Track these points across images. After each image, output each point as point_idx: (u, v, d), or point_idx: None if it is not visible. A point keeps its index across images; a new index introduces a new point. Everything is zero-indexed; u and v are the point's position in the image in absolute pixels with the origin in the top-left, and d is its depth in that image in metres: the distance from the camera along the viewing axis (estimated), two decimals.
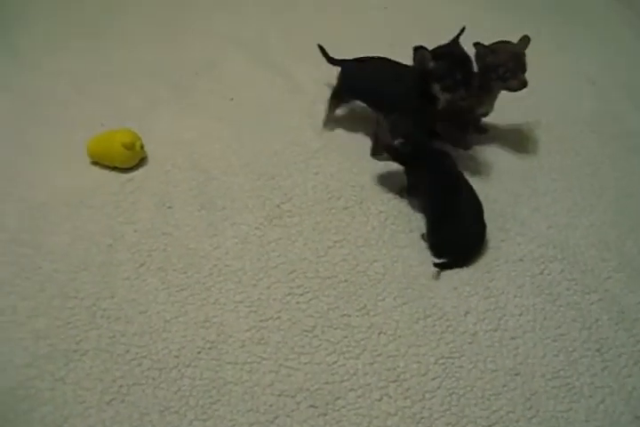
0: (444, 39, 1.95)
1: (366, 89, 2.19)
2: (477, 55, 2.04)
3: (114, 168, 2.13)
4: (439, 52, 1.93)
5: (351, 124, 2.34)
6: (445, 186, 1.88)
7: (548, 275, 1.83)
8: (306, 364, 1.60)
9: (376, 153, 1.97)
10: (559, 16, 3.12)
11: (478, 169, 2.14)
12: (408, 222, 1.96)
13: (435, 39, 1.95)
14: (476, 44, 2.01)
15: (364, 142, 2.23)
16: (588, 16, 3.14)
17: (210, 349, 1.63)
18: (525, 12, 3.11)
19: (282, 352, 1.62)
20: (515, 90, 2.05)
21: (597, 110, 2.48)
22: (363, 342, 1.65)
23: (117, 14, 3.05)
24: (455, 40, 1.95)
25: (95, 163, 2.15)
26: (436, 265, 1.81)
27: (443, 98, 1.97)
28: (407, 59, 1.97)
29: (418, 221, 1.96)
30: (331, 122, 2.34)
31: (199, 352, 1.62)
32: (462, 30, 1.93)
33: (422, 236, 1.91)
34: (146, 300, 1.74)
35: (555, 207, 2.04)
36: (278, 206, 2.00)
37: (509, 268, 1.85)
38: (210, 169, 2.14)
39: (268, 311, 1.71)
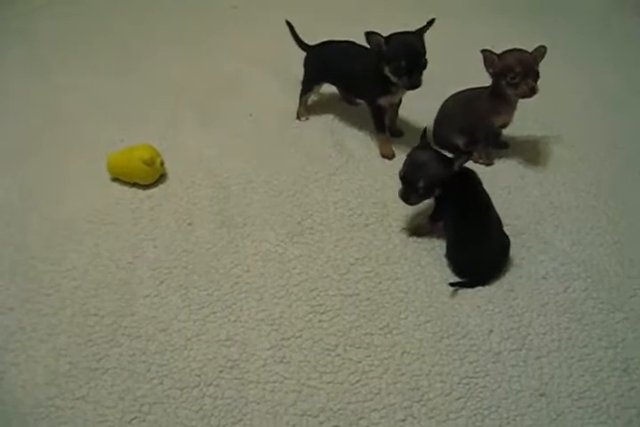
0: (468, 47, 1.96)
1: (331, 67, 2.32)
2: (485, 61, 2.07)
3: (134, 184, 2.14)
4: (392, 38, 2.05)
5: (372, 140, 2.34)
6: (471, 209, 1.84)
7: (573, 293, 1.81)
8: (328, 383, 1.58)
9: (411, 199, 1.87)
10: (578, 32, 3.13)
11: (499, 185, 2.12)
12: (430, 240, 1.95)
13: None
14: (483, 51, 2.06)
15: (384, 159, 2.25)
16: (606, 31, 3.16)
17: (232, 368, 1.61)
18: (545, 27, 3.13)
19: (304, 371, 1.61)
20: (524, 96, 2.06)
21: (621, 127, 2.47)
22: (386, 362, 1.63)
23: (142, 32, 3.11)
24: (419, 31, 2.06)
25: (115, 179, 2.16)
26: (452, 284, 1.80)
27: (393, 79, 2.09)
28: None
29: (440, 239, 1.94)
30: (304, 113, 2.47)
31: (221, 371, 1.60)
32: (431, 22, 2.06)
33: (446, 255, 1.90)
34: (167, 317, 1.73)
35: (578, 224, 2.01)
36: (299, 223, 2.00)
37: (533, 286, 1.82)
38: (230, 186, 2.14)
39: (289, 330, 1.70)
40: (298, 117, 2.47)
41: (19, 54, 3.00)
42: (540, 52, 2.05)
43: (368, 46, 2.09)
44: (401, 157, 2.20)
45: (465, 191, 1.86)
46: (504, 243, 1.86)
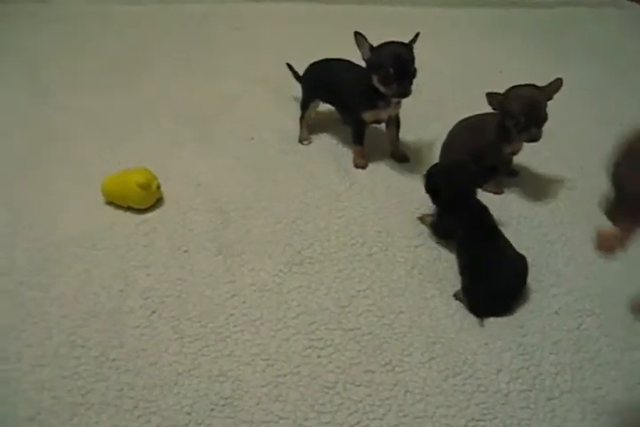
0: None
1: (321, 83, 2.35)
2: (490, 103, 2.04)
3: (128, 208, 2.09)
4: (380, 47, 2.07)
5: (375, 166, 2.31)
6: (486, 244, 1.82)
7: (586, 330, 1.74)
8: (326, 424, 1.50)
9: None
10: (593, 62, 3.12)
11: (509, 214, 2.07)
12: (436, 272, 1.89)
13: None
14: (488, 95, 2.02)
15: (389, 186, 2.21)
16: (622, 63, 3.14)
17: (224, 405, 1.53)
18: (562, 57, 3.13)
19: (301, 411, 1.53)
20: (527, 142, 2.05)
21: None
22: (388, 402, 1.55)
23: (142, 52, 3.12)
24: (408, 42, 2.07)
25: (110, 202, 2.11)
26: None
27: (381, 90, 2.08)
28: None
29: (446, 271, 1.88)
30: (307, 137, 2.44)
31: (212, 409, 1.53)
32: (416, 36, 2.07)
33: (455, 295, 1.82)
34: (157, 350, 1.66)
35: (591, 257, 1.92)
36: (299, 252, 1.94)
37: (544, 322, 1.75)
38: (228, 211, 2.09)
39: (286, 366, 1.62)
40: (300, 141, 2.42)
41: (16, 71, 2.96)
42: (556, 85, 2.01)
43: (357, 63, 2.14)
44: (403, 183, 2.17)
45: (479, 227, 1.86)
46: (519, 266, 1.80)
